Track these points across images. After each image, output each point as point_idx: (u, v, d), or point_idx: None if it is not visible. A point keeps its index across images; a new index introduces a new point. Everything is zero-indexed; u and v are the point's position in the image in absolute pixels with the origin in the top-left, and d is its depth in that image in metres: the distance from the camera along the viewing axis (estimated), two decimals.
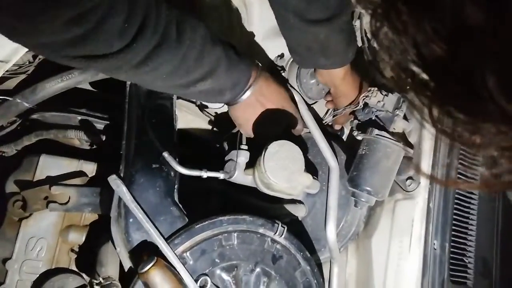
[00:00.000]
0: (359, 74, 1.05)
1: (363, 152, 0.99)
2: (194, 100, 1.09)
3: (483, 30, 0.25)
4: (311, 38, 0.87)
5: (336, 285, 1.06)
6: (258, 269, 0.85)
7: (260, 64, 0.87)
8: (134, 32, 0.56)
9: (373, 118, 1.02)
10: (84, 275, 0.85)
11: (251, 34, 1.13)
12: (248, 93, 0.84)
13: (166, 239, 0.76)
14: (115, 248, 0.78)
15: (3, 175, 0.91)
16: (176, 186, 0.84)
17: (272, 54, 1.14)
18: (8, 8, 0.47)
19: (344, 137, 1.25)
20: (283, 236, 0.90)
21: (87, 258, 0.85)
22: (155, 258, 0.71)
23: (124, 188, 0.74)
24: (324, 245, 1.08)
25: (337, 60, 0.94)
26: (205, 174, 0.86)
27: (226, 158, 1.01)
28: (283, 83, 0.99)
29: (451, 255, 0.92)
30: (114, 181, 0.74)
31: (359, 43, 1.20)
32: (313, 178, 0.98)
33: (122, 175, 0.79)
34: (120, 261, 0.79)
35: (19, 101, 0.83)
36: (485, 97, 0.26)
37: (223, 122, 1.19)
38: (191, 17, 0.70)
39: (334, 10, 0.83)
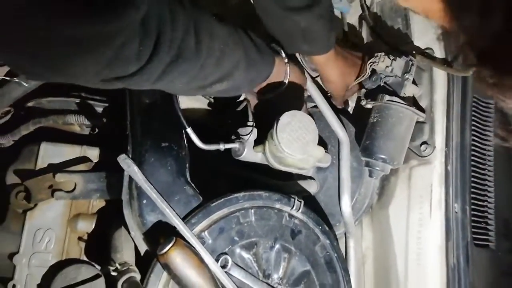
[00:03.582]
0: (351, 59, 1.02)
1: (375, 120, 0.96)
2: None
3: None
4: (292, 25, 0.85)
5: (353, 260, 1.04)
6: (277, 246, 0.82)
7: (283, 56, 0.87)
8: (148, 54, 0.55)
9: (382, 85, 0.99)
10: (95, 264, 0.80)
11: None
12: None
13: (182, 219, 0.73)
14: (129, 233, 0.74)
15: (1, 167, 0.86)
16: (187, 165, 0.80)
17: None
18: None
19: (350, 110, 1.22)
20: (300, 210, 0.87)
21: (98, 247, 0.81)
22: (174, 238, 0.67)
23: (136, 168, 0.70)
24: (338, 220, 1.05)
25: (318, 47, 0.93)
26: (223, 146, 0.83)
27: (233, 137, 0.97)
28: (301, 68, 0.97)
29: (472, 218, 0.90)
30: (124, 161, 0.70)
31: (359, 11, 1.17)
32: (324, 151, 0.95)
33: (130, 155, 0.75)
34: (135, 245, 0.75)
35: (19, 81, 0.77)
36: None
37: (223, 102, 1.15)
38: (211, 20, 0.67)
39: None
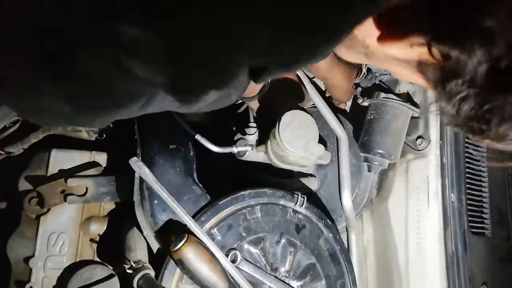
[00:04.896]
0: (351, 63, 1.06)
1: (372, 117, 1.00)
2: None
3: None
4: None
5: (355, 252, 1.08)
6: (283, 240, 0.86)
7: None
8: None
9: (377, 83, 1.03)
10: (108, 265, 0.83)
11: None
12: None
13: (192, 217, 0.76)
14: (141, 232, 0.77)
15: (13, 175, 0.88)
16: (194, 166, 0.83)
17: None
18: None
19: (346, 108, 1.26)
20: (303, 206, 0.90)
21: (110, 247, 0.84)
22: (186, 235, 0.70)
23: (147, 170, 0.73)
24: (339, 215, 1.09)
25: None
26: (236, 149, 0.87)
27: (236, 137, 1.01)
28: None
29: (468, 207, 0.94)
30: (135, 163, 0.73)
31: None
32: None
33: (140, 158, 0.78)
34: (147, 244, 0.78)
35: None
36: None
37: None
38: None
39: None
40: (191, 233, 0.73)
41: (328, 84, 1.07)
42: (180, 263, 0.70)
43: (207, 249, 0.73)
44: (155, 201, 0.75)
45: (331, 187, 1.09)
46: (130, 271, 0.72)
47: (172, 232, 0.74)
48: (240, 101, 1.16)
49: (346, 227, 1.09)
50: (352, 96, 1.18)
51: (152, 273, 0.73)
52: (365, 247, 1.11)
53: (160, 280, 0.72)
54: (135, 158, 0.74)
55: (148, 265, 0.74)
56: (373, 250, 1.08)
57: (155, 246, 0.77)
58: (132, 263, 0.73)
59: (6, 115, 0.91)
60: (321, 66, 0.99)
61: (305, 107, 1.09)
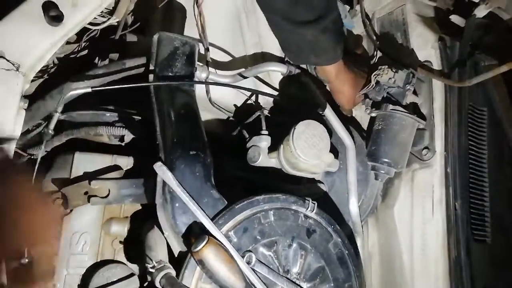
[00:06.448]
0: (358, 72, 1.11)
1: (380, 127, 1.05)
2: (206, 96, 1.11)
3: None
4: (300, 38, 0.94)
5: (360, 257, 1.12)
6: (295, 244, 0.90)
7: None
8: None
9: (385, 95, 1.07)
10: (128, 264, 0.87)
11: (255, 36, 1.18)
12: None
13: (211, 220, 0.80)
14: (163, 233, 0.81)
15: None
16: (212, 171, 0.87)
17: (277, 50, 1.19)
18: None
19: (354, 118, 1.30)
20: (314, 211, 0.94)
21: (130, 248, 0.87)
22: (207, 237, 0.74)
23: (170, 174, 0.77)
24: (346, 220, 1.13)
25: (327, 58, 1.02)
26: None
27: (248, 144, 1.05)
28: None
29: (471, 215, 0.98)
30: (160, 167, 0.77)
31: (361, 27, 1.26)
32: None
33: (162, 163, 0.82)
34: (167, 245, 0.82)
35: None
36: None
37: (235, 113, 1.23)
38: None
39: (319, 11, 0.90)
40: (210, 235, 0.77)
41: (333, 89, 1.13)
42: (201, 263, 0.74)
43: (226, 250, 0.77)
44: (177, 204, 0.79)
45: (339, 194, 1.13)
46: (152, 270, 0.76)
47: (192, 233, 0.78)
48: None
49: (352, 232, 1.13)
50: (358, 105, 1.23)
51: (173, 272, 0.77)
52: (369, 251, 1.15)
53: (180, 279, 0.76)
54: (159, 163, 0.77)
55: (169, 264, 0.78)
56: (378, 254, 1.13)
57: (175, 246, 0.81)
58: (154, 262, 0.77)
59: (30, 118, 0.95)
60: (330, 70, 1.04)
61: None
